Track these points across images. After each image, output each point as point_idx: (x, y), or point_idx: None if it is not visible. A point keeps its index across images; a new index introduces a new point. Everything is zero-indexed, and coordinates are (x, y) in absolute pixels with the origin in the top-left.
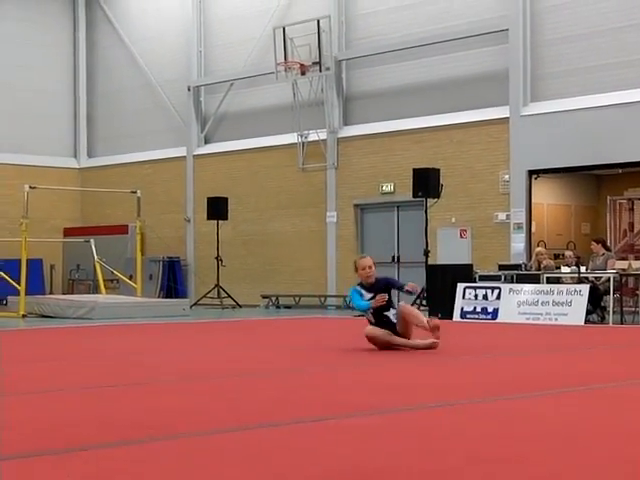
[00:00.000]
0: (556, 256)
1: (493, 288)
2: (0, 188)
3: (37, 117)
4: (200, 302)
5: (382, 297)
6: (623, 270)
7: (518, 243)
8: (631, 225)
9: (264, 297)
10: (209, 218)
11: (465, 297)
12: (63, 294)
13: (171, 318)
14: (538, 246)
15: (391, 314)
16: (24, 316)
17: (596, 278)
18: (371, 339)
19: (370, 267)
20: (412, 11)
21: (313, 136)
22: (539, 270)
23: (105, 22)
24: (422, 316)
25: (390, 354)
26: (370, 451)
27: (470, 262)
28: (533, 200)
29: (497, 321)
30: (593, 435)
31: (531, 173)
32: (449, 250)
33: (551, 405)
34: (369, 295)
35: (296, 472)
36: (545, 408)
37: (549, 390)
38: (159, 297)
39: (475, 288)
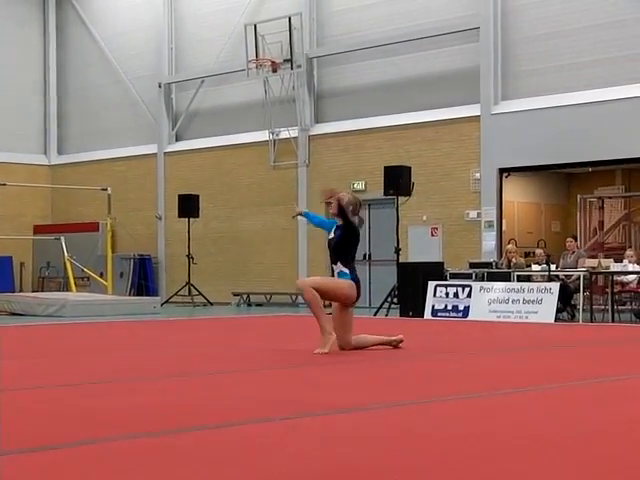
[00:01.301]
0: (526, 254)
1: (464, 286)
2: None
3: (7, 114)
4: (171, 300)
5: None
6: (593, 268)
7: (489, 241)
8: (601, 223)
9: (235, 295)
10: (180, 216)
11: (436, 295)
12: (33, 292)
13: (142, 316)
14: (509, 244)
15: (336, 270)
16: None
17: (566, 276)
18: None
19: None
20: (384, 9)
21: (284, 133)
22: (509, 268)
23: (76, 18)
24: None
25: (361, 351)
26: (347, 450)
27: (441, 260)
28: (504, 198)
29: (468, 319)
30: (559, 434)
31: (502, 171)
32: (420, 248)
33: (519, 403)
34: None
35: (278, 471)
36: (512, 406)
37: (517, 388)
38: (130, 295)
39: (446, 286)
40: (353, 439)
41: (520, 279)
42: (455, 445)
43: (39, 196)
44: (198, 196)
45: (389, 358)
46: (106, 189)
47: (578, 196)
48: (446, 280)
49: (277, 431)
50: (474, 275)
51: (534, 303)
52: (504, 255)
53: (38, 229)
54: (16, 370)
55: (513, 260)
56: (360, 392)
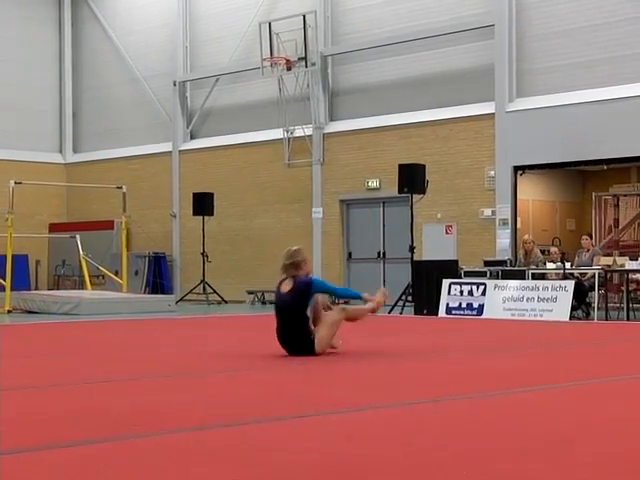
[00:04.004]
0: (542, 252)
1: (478, 284)
2: None
3: (23, 112)
4: (186, 298)
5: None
6: (608, 266)
7: (503, 239)
8: (616, 221)
9: (250, 293)
10: (195, 214)
11: (450, 293)
12: (49, 290)
13: (157, 314)
14: (525, 235)
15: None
16: (9, 312)
17: (581, 274)
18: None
19: None
20: (398, 7)
21: (299, 132)
22: (526, 258)
23: (91, 17)
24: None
25: (368, 351)
26: (351, 448)
27: (455, 258)
28: (518, 196)
29: (482, 317)
30: (577, 431)
31: (516, 169)
32: (434, 246)
33: (536, 401)
34: None
35: (283, 468)
36: (529, 404)
37: (534, 386)
38: (145, 293)
39: (460, 284)
40: (367, 436)
41: (535, 277)
42: (468, 443)
43: (54, 194)
44: (213, 194)
45: (404, 356)
46: (121, 187)
47: (593, 194)
48: (460, 278)
49: (284, 429)
50: (489, 273)
51: (549, 301)
52: (520, 245)
53: (53, 227)
54: (31, 368)
55: (530, 251)
56: (374, 390)
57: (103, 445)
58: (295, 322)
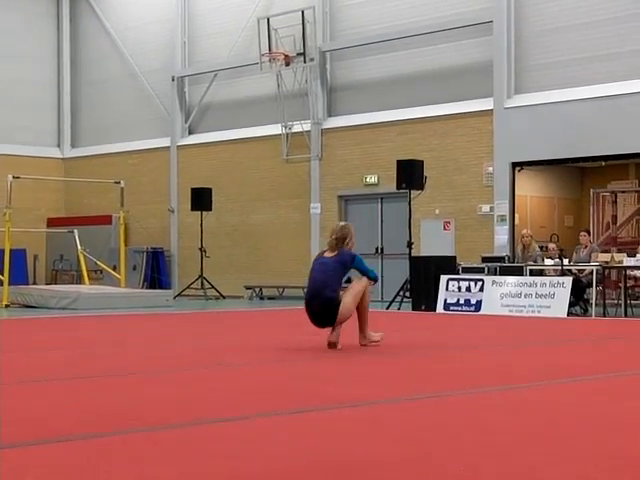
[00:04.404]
0: (539, 248)
1: (476, 280)
2: None
3: (21, 107)
4: (184, 293)
5: None
6: (606, 263)
7: (501, 235)
8: (614, 218)
9: (248, 288)
10: (193, 209)
11: (448, 289)
12: (46, 284)
13: (154, 309)
14: (523, 230)
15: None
16: (7, 306)
17: (579, 271)
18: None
19: None
20: (397, 2)
21: (297, 127)
22: (524, 252)
23: (89, 12)
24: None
25: (376, 346)
26: (350, 443)
27: (453, 254)
28: (517, 192)
29: (480, 313)
30: (576, 427)
31: (515, 165)
32: (433, 242)
33: (534, 397)
34: None
35: (280, 464)
36: (528, 401)
37: (532, 383)
38: (142, 288)
39: (458, 280)
40: (363, 433)
41: (533, 273)
42: (466, 439)
43: (52, 189)
44: (211, 189)
45: (402, 352)
46: (119, 182)
47: (591, 190)
48: (458, 274)
49: (286, 424)
50: (486, 269)
51: (547, 297)
52: (518, 240)
53: (52, 222)
54: (31, 362)
55: (528, 245)
56: (374, 386)
57: (101, 440)
58: (327, 287)
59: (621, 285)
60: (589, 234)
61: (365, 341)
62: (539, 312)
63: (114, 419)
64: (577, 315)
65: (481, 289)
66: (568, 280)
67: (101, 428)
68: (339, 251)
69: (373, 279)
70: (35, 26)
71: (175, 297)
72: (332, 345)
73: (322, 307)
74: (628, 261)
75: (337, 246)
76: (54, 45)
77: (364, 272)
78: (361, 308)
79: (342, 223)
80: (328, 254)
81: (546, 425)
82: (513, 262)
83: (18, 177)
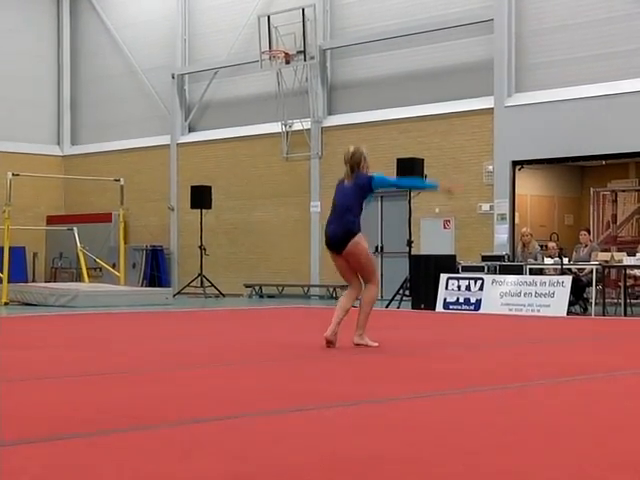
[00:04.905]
0: (540, 247)
1: (476, 279)
2: None
3: (20, 104)
4: (183, 291)
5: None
6: (606, 262)
7: (501, 234)
8: (614, 217)
9: (247, 286)
10: (193, 207)
11: (448, 288)
12: (46, 282)
13: (154, 307)
14: (523, 228)
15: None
16: (6, 304)
17: (579, 270)
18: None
19: None
20: (397, 0)
21: (297, 125)
22: (524, 251)
23: (89, 8)
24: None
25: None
26: (351, 441)
27: (453, 253)
28: (517, 191)
29: (480, 312)
30: (574, 426)
31: (515, 164)
32: (432, 240)
33: (533, 396)
34: None
35: (282, 461)
36: (527, 399)
37: (531, 382)
38: (142, 286)
39: (458, 279)
40: (366, 431)
41: (532, 272)
42: (467, 438)
43: (52, 187)
44: (211, 187)
45: (403, 351)
46: (119, 180)
47: (591, 189)
48: (458, 273)
49: (289, 422)
50: (486, 268)
51: (546, 296)
52: (518, 239)
53: (51, 220)
54: (31, 360)
55: (528, 244)
56: (376, 384)
57: (99, 438)
58: (349, 211)
59: (621, 284)
60: (589, 233)
61: (360, 341)
62: (539, 311)
63: (113, 417)
64: (577, 314)
65: (481, 288)
66: (568, 279)
67: (100, 425)
68: (355, 175)
69: (431, 188)
70: (35, 23)
71: (175, 295)
72: (330, 343)
73: (342, 229)
74: (628, 260)
75: (352, 173)
76: (54, 42)
77: (394, 184)
78: (366, 300)
79: (352, 148)
80: (347, 181)
81: (547, 424)
82: (513, 261)
83: (18, 174)
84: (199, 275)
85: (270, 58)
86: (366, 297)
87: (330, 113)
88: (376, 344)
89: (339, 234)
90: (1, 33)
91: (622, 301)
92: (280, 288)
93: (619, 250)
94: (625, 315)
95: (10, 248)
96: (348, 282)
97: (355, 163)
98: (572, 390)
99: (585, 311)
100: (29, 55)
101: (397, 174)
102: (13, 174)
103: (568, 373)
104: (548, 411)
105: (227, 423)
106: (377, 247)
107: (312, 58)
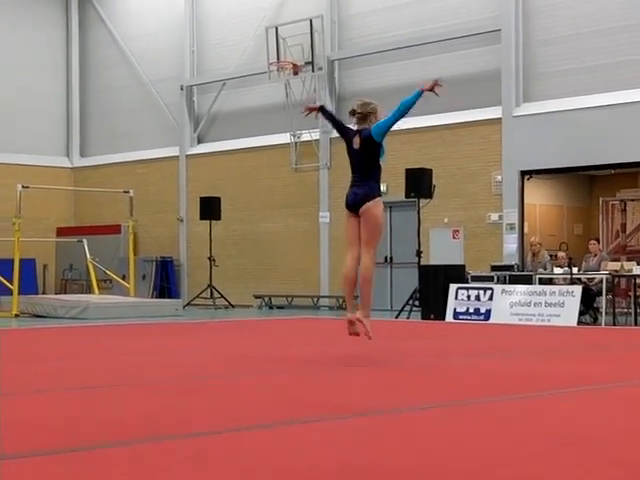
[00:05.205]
0: (549, 257)
1: (486, 289)
2: None
3: (30, 116)
4: (193, 302)
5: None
6: (615, 271)
7: (511, 244)
8: (623, 226)
9: (257, 297)
10: (202, 218)
11: (458, 298)
12: (56, 294)
13: (164, 318)
14: (532, 237)
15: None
16: (17, 316)
17: (589, 279)
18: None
19: None
20: (404, 11)
21: (306, 136)
22: (533, 260)
23: (98, 21)
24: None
25: (380, 355)
26: (362, 451)
27: (463, 263)
28: (525, 201)
29: (490, 322)
30: (587, 436)
31: (523, 174)
32: (442, 251)
33: (546, 406)
34: None
35: (293, 470)
36: (540, 409)
37: (543, 391)
38: (152, 297)
39: (468, 289)
40: (377, 442)
41: (542, 282)
42: (478, 447)
43: (62, 199)
44: (220, 198)
45: (414, 361)
46: (128, 192)
47: (600, 198)
48: (468, 283)
49: (306, 433)
50: (496, 278)
51: (556, 306)
52: (528, 249)
53: (61, 231)
54: (39, 372)
55: (537, 253)
56: (384, 395)
57: (105, 450)
58: (368, 179)
59: (631, 294)
60: (598, 242)
61: (364, 320)
62: (549, 321)
63: (124, 429)
64: (587, 324)
65: (490, 298)
66: (578, 289)
67: (119, 437)
68: (361, 139)
69: (417, 95)
70: (44, 36)
71: (184, 306)
72: (353, 330)
73: (364, 192)
74: (638, 269)
75: (360, 126)
76: (63, 54)
77: (393, 123)
78: (363, 275)
79: (364, 100)
80: (355, 143)
81: (563, 433)
82: (522, 271)
83: (27, 187)
84: (208, 286)
85: (278, 69)
86: (363, 273)
87: None
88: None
89: (360, 195)
90: (9, 45)
91: (632, 310)
92: (289, 299)
93: (629, 259)
94: (636, 324)
95: (20, 260)
96: (349, 246)
97: (368, 112)
98: (586, 399)
99: (595, 321)
100: (38, 67)
101: (406, 184)
102: (23, 186)
103: (581, 383)
104: (560, 421)
105: (245, 435)
106: (386, 258)
107: (320, 69)
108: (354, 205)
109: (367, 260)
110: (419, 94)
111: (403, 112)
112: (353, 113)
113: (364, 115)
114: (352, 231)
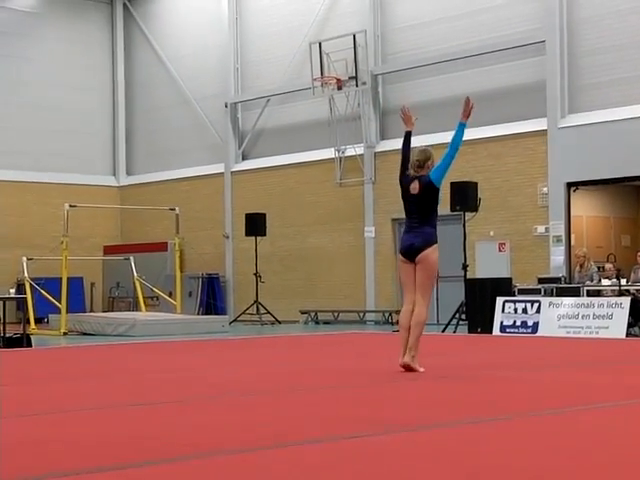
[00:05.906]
0: (597, 268)
1: (533, 302)
2: (41, 206)
3: (77, 136)
4: (239, 318)
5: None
6: None
7: (557, 256)
8: None
9: (303, 313)
10: (247, 234)
11: (505, 311)
12: (103, 312)
13: (211, 335)
14: (578, 250)
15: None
16: (65, 334)
17: (637, 291)
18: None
19: None
20: (448, 24)
21: (350, 151)
22: (580, 272)
23: (143, 40)
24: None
25: (437, 370)
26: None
27: (509, 276)
28: (572, 212)
29: (537, 335)
30: (637, 450)
31: (570, 185)
32: (488, 264)
33: (597, 419)
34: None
35: None
36: (591, 422)
37: (594, 404)
38: (198, 314)
39: (514, 302)
40: (418, 456)
41: (590, 294)
42: (540, 461)
43: (108, 217)
44: (265, 215)
45: (462, 375)
46: (174, 209)
47: None
48: (514, 296)
49: (367, 448)
50: (543, 290)
51: (604, 318)
52: (575, 261)
53: (108, 250)
54: (90, 389)
55: (584, 265)
56: (440, 409)
57: (149, 468)
58: (424, 225)
59: None
60: None
61: (411, 363)
62: (597, 333)
63: (174, 446)
64: (636, 336)
65: (538, 310)
66: (626, 300)
67: (152, 456)
68: (420, 184)
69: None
70: (90, 55)
71: (231, 323)
72: (407, 367)
73: (421, 239)
74: None
75: (417, 174)
76: (109, 74)
77: (448, 164)
78: (416, 320)
79: (422, 148)
80: (413, 189)
81: (619, 446)
82: (570, 283)
83: (74, 206)
84: (255, 302)
85: (322, 84)
86: (417, 318)
87: (383, 138)
88: (422, 369)
89: (416, 244)
90: (56, 66)
91: None
92: (336, 314)
93: None
94: None
95: (68, 278)
96: (406, 292)
97: (426, 158)
98: (636, 413)
99: None
100: (84, 87)
101: (451, 198)
102: (70, 205)
103: (634, 395)
104: (610, 434)
105: (285, 451)
106: None
107: (364, 84)
108: (410, 253)
109: (422, 308)
110: (462, 126)
111: (455, 150)
112: (415, 164)
113: (422, 162)
114: (407, 277)
